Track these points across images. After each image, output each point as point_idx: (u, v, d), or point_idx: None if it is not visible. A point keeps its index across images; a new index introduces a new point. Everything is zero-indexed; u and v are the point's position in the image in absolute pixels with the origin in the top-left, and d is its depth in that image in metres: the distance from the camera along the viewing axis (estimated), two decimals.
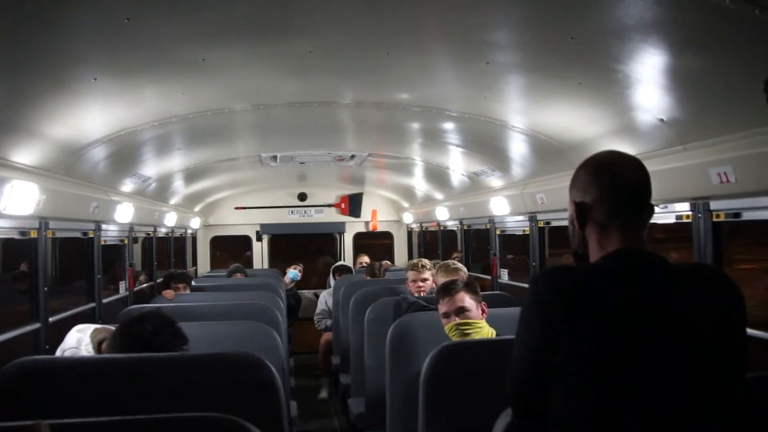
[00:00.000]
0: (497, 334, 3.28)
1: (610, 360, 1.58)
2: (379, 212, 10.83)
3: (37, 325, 4.16)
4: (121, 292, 6.23)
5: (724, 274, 1.79)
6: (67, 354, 2.84)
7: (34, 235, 4.10)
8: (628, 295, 1.63)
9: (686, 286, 1.67)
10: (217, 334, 3.61)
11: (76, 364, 2.55)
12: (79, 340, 2.94)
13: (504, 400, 1.90)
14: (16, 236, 3.99)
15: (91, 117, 3.58)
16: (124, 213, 5.52)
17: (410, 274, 4.94)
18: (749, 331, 2.11)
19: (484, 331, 3.26)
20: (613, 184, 1.74)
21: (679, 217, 3.54)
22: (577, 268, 1.79)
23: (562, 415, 1.64)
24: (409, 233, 11.02)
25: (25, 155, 3.44)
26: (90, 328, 3.00)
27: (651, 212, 1.78)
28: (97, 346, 2.89)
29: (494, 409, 1.97)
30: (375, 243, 11.00)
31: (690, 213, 3.41)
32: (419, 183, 8.39)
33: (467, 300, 3.22)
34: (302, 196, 10.65)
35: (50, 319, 4.30)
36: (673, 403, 1.58)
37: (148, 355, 2.50)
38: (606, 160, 1.80)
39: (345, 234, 10.87)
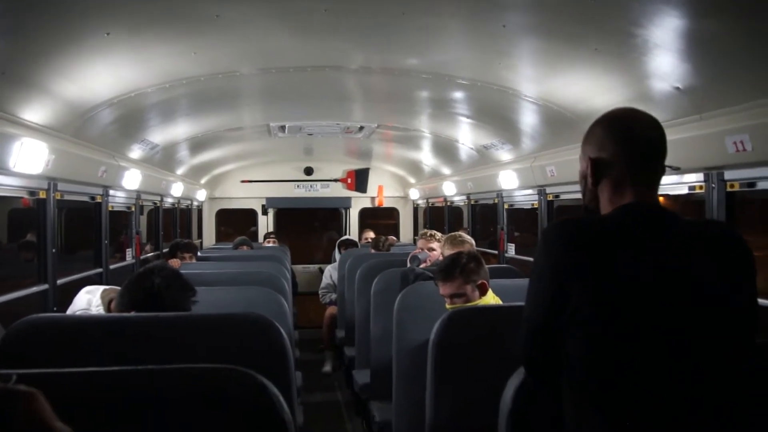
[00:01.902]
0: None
1: (620, 310, 1.58)
2: (385, 188, 10.84)
3: (45, 287, 4.17)
4: (127, 259, 6.25)
5: (736, 232, 1.77)
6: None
7: (42, 195, 4.10)
8: (639, 246, 1.63)
9: (698, 241, 1.67)
10: (225, 299, 3.59)
11: (85, 322, 2.53)
12: (89, 301, 2.93)
13: (513, 365, 1.89)
14: (26, 196, 4.00)
15: (101, 75, 3.55)
16: (132, 179, 5.52)
17: (419, 243, 5.03)
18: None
19: None
20: (631, 138, 1.73)
21: (692, 188, 3.51)
22: (589, 218, 1.79)
23: (573, 369, 1.64)
24: (415, 209, 11.02)
25: (34, 113, 3.42)
26: (99, 289, 2.99)
27: (663, 171, 1.77)
28: (107, 306, 2.89)
29: (503, 375, 1.96)
30: (380, 223, 11.00)
31: (703, 183, 3.39)
32: (427, 157, 8.36)
33: (461, 287, 3.21)
34: (308, 171, 10.64)
35: (58, 281, 4.30)
36: (682, 354, 1.57)
37: (156, 314, 2.50)
38: (623, 115, 1.80)
39: (351, 209, 10.87)
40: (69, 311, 2.96)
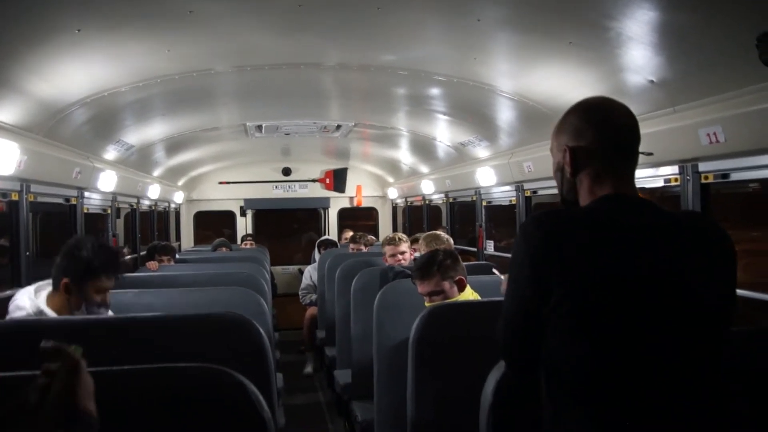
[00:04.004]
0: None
1: (601, 302, 1.56)
2: (363, 187, 10.84)
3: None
4: None
5: (715, 222, 1.76)
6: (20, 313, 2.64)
7: (15, 197, 4.03)
8: (621, 238, 1.61)
9: (679, 232, 1.66)
10: (203, 300, 3.55)
11: (62, 324, 2.50)
12: (25, 303, 2.76)
13: (493, 360, 1.88)
14: None
15: (73, 74, 3.49)
16: (107, 181, 5.45)
17: (387, 249, 4.90)
18: None
19: None
20: (610, 124, 1.70)
21: (667, 181, 3.54)
22: (567, 211, 1.76)
23: (554, 362, 1.62)
24: (394, 209, 11.03)
25: (4, 112, 3.36)
26: (27, 289, 2.78)
27: (637, 160, 1.75)
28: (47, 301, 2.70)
29: (484, 370, 1.96)
30: (359, 223, 10.99)
31: (678, 176, 3.42)
32: (405, 156, 8.36)
33: (439, 284, 3.21)
34: (286, 171, 10.61)
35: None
36: (664, 346, 1.56)
37: (133, 315, 2.52)
38: (598, 103, 1.77)
39: (329, 209, 10.86)
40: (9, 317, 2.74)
